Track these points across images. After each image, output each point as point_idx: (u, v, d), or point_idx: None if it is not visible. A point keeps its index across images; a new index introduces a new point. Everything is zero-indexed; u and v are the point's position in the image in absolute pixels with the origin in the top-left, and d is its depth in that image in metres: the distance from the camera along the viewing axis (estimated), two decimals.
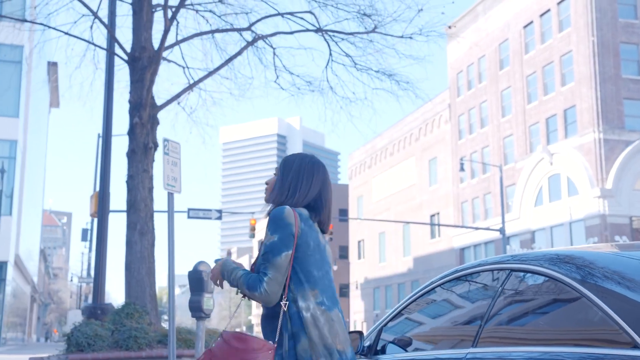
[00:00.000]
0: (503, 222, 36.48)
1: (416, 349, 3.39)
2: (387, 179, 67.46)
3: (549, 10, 44.16)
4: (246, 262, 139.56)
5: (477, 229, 38.67)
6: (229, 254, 2.50)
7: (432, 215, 57.99)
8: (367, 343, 3.72)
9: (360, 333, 3.72)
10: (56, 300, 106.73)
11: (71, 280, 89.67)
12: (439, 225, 41.84)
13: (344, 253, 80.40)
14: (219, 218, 27.07)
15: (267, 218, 2.91)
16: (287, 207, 2.89)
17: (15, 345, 43.49)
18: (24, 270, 45.96)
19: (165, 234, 11.12)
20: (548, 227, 42.85)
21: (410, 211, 61.56)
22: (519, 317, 2.81)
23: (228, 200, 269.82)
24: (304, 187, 2.97)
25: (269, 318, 2.84)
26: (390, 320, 3.70)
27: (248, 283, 2.79)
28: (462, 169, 39.83)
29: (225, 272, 2.88)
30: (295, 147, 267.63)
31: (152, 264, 10.74)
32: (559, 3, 43.24)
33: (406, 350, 3.46)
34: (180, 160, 6.38)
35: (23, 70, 34.42)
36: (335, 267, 70.41)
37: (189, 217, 25.69)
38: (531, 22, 45.90)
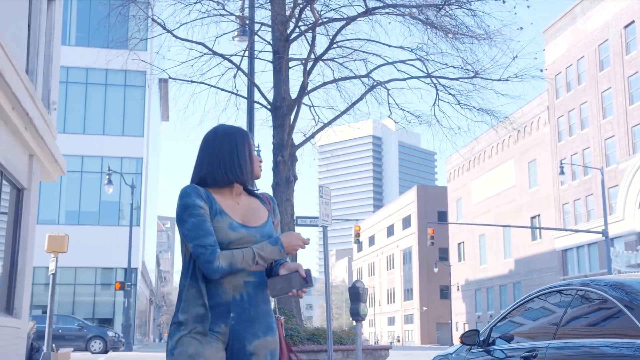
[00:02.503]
0: (606, 224, 36.35)
1: (515, 341, 5.13)
2: (486, 181, 67.81)
3: None
4: (345, 263, 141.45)
5: (577, 231, 38.82)
6: None
7: (533, 217, 58.01)
8: (482, 337, 5.53)
9: (477, 331, 5.62)
10: (167, 302, 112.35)
11: None
12: (539, 228, 42.24)
13: (444, 255, 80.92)
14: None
15: (269, 199, 2.98)
16: None
17: (142, 344, 47.24)
18: (146, 275, 49.84)
19: None
20: None
21: (510, 213, 61.75)
22: (583, 320, 4.50)
23: None
24: None
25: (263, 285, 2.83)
26: (499, 321, 5.49)
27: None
28: (562, 172, 40.06)
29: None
30: (390, 149, 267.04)
31: None
32: None
33: (509, 342, 5.21)
34: (330, 199, 8.28)
35: (146, 93, 37.78)
36: (435, 270, 71.32)
37: (296, 224, 27.67)
38: (632, 22, 45.44)
